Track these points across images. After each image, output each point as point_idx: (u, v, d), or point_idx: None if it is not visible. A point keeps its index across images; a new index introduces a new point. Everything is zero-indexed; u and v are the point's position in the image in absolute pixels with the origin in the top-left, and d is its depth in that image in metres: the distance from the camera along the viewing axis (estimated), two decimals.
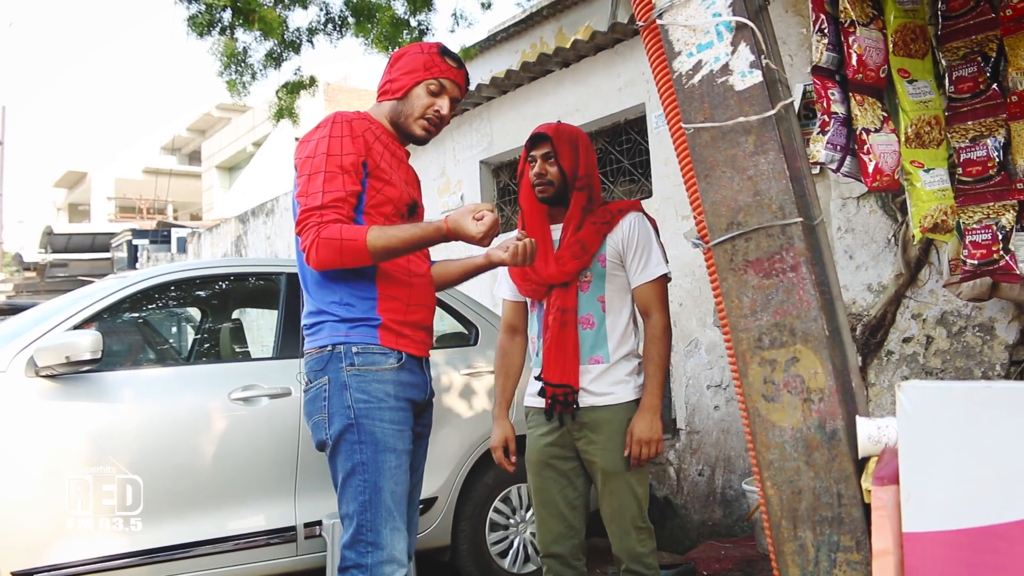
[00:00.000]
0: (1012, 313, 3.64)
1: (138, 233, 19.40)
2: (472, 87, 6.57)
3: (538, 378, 2.61)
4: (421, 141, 2.40)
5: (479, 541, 3.86)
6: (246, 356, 4.37)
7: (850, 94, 2.26)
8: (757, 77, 1.70)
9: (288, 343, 3.59)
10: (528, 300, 2.73)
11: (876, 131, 2.25)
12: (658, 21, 1.81)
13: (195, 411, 3.26)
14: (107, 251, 21.30)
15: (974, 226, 2.44)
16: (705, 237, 1.78)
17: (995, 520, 1.28)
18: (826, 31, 2.24)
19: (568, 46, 5.82)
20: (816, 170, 2.50)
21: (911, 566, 1.35)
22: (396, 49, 5.98)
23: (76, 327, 3.17)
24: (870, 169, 2.22)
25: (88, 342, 2.96)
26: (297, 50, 6.66)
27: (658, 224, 2.73)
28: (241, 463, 3.29)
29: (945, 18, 2.51)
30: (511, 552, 3.96)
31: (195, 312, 4.93)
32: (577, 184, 2.58)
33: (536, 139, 2.63)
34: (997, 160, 2.41)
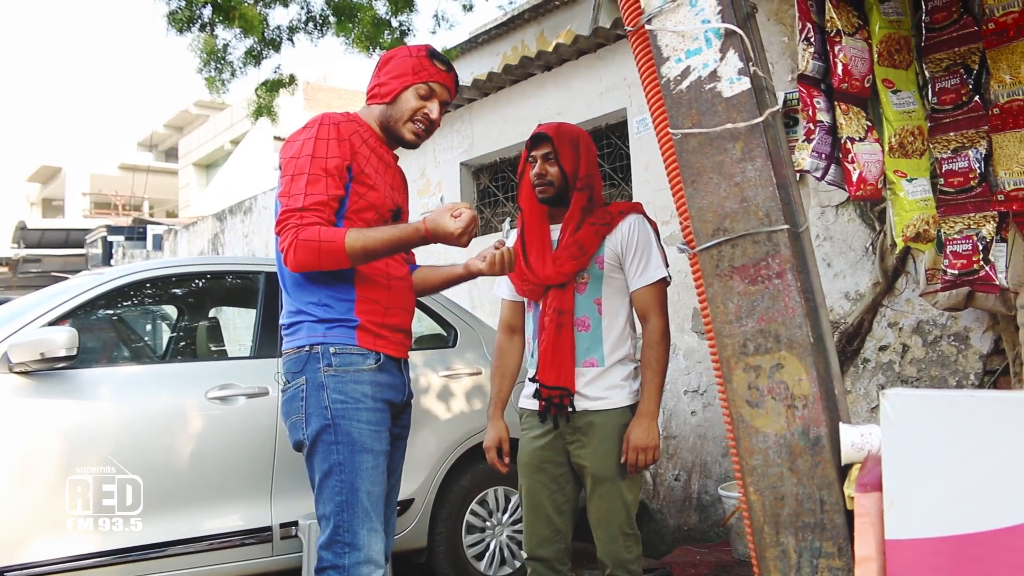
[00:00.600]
0: (987, 323, 3.68)
1: (113, 230, 19.19)
2: None
3: (533, 379, 2.59)
4: (411, 145, 2.37)
5: (456, 543, 3.85)
6: (223, 355, 4.33)
7: (835, 103, 2.27)
8: (745, 84, 1.71)
9: (266, 342, 3.56)
10: (525, 300, 2.71)
11: (860, 140, 2.27)
12: (647, 26, 1.81)
13: (171, 409, 3.22)
14: (81, 247, 21.04)
15: (955, 236, 2.47)
16: (691, 242, 1.78)
17: (977, 528, 1.29)
18: (812, 40, 2.25)
19: (550, 50, 5.83)
20: (796, 178, 2.51)
21: (893, 573, 1.36)
22: (376, 49, 5.95)
23: (51, 323, 3.12)
24: (854, 178, 2.24)
25: (63, 339, 2.92)
26: (277, 48, 6.62)
27: None
28: (217, 462, 3.25)
29: (929, 30, 2.53)
30: (487, 555, 3.94)
31: (172, 310, 4.88)
32: (577, 184, 2.55)
33: (537, 139, 2.60)
34: (978, 171, 2.44)
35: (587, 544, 2.82)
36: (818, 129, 2.23)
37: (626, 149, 5.56)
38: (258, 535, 3.28)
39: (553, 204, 2.60)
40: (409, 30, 6.48)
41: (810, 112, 2.23)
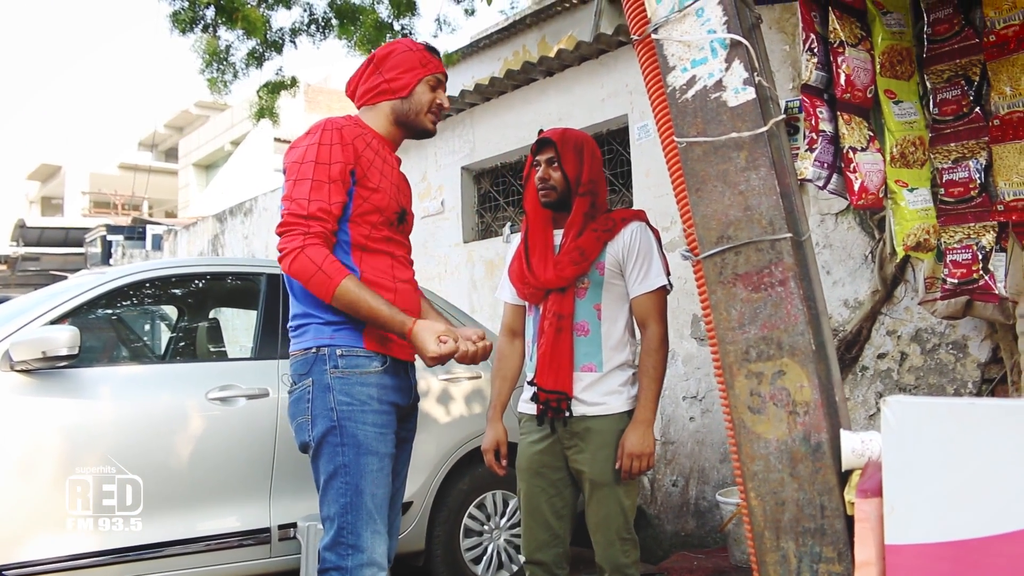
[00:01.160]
0: (985, 332, 3.70)
1: (113, 229, 19.15)
2: (455, 93, 6.59)
3: (531, 383, 2.61)
4: (431, 134, 2.46)
5: (453, 547, 3.86)
6: (224, 356, 4.34)
7: (838, 113, 2.29)
8: (750, 94, 1.72)
9: (267, 344, 3.57)
10: (526, 303, 2.73)
11: (862, 150, 2.29)
12: (653, 36, 1.83)
13: (172, 409, 3.23)
14: (80, 246, 21.01)
15: (955, 246, 2.49)
16: (695, 250, 1.80)
17: (976, 534, 1.31)
18: (815, 51, 2.27)
19: (552, 55, 5.85)
20: (798, 186, 2.53)
21: None
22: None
23: (53, 322, 3.13)
24: (856, 187, 2.26)
25: (65, 337, 2.93)
26: (279, 50, 6.65)
27: None
28: (217, 463, 3.26)
29: (930, 41, 2.56)
30: (485, 558, 3.95)
31: (172, 310, 4.89)
32: (580, 190, 2.57)
33: (541, 143, 2.63)
34: (979, 182, 2.46)
35: (585, 549, 2.83)
36: (821, 139, 2.25)
37: (627, 155, 5.58)
38: (257, 536, 3.29)
39: (556, 209, 2.62)
40: (411, 33, 6.51)
41: (813, 122, 2.24)
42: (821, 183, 2.29)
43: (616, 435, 2.51)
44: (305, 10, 6.55)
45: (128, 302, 3.87)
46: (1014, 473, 1.30)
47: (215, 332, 4.31)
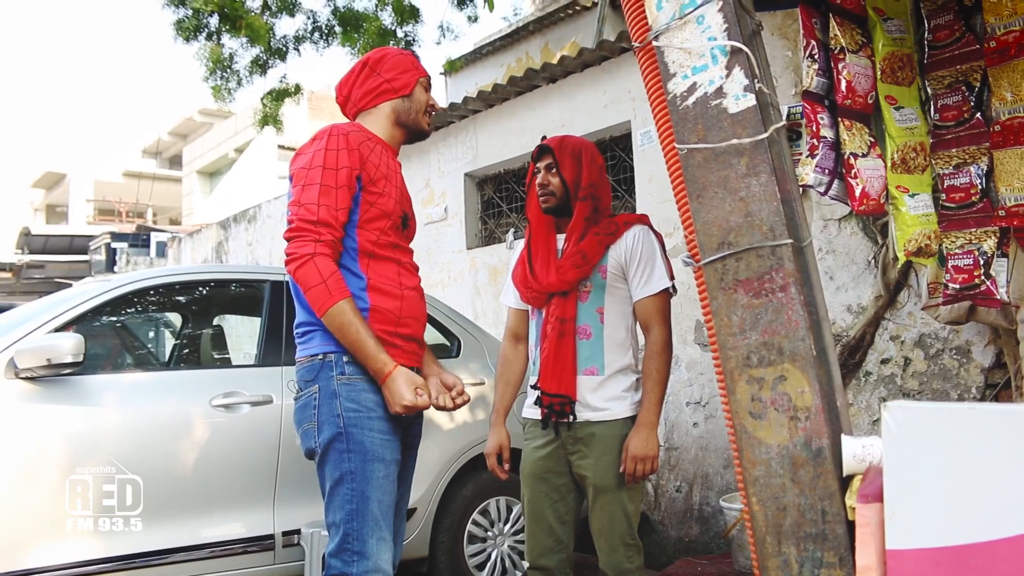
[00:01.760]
0: (988, 337, 3.69)
1: (117, 236, 19.15)
2: (458, 99, 6.61)
3: (535, 387, 2.61)
4: (427, 135, 2.52)
5: (457, 553, 3.86)
6: (228, 363, 4.35)
7: (839, 119, 2.30)
8: (751, 101, 1.73)
9: (271, 351, 3.58)
10: (530, 307, 2.74)
11: (863, 156, 2.30)
12: (654, 43, 1.84)
13: (176, 416, 3.24)
14: (85, 254, 21.03)
15: (957, 251, 2.49)
16: (696, 256, 1.81)
17: (977, 539, 1.31)
18: (816, 57, 2.28)
19: (555, 62, 5.86)
20: (800, 192, 2.54)
21: None
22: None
23: (57, 330, 3.14)
24: (857, 193, 2.27)
25: (69, 345, 2.94)
26: (283, 57, 6.68)
27: None
28: (221, 470, 3.27)
29: (931, 48, 2.56)
30: (488, 565, 3.96)
31: (176, 318, 4.90)
32: (580, 194, 2.59)
33: (540, 150, 2.67)
34: (980, 187, 2.46)
35: (589, 555, 2.83)
36: (822, 145, 2.25)
37: (630, 161, 5.59)
38: (261, 543, 3.29)
39: (557, 214, 2.64)
40: (414, 40, 6.54)
41: (814, 128, 2.25)
42: (822, 189, 2.30)
43: (620, 440, 2.51)
44: (308, 18, 6.60)
45: (132, 309, 3.89)
46: (1015, 477, 1.30)
47: (219, 339, 4.33)
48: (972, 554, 1.31)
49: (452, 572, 3.83)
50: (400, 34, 6.46)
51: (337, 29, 6.52)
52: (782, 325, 1.69)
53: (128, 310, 3.87)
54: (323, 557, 2.23)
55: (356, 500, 2.14)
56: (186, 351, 4.50)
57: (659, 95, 1.85)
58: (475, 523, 3.94)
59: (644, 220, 2.67)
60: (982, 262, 2.43)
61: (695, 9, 1.78)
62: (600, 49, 5.52)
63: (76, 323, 3.26)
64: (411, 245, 2.47)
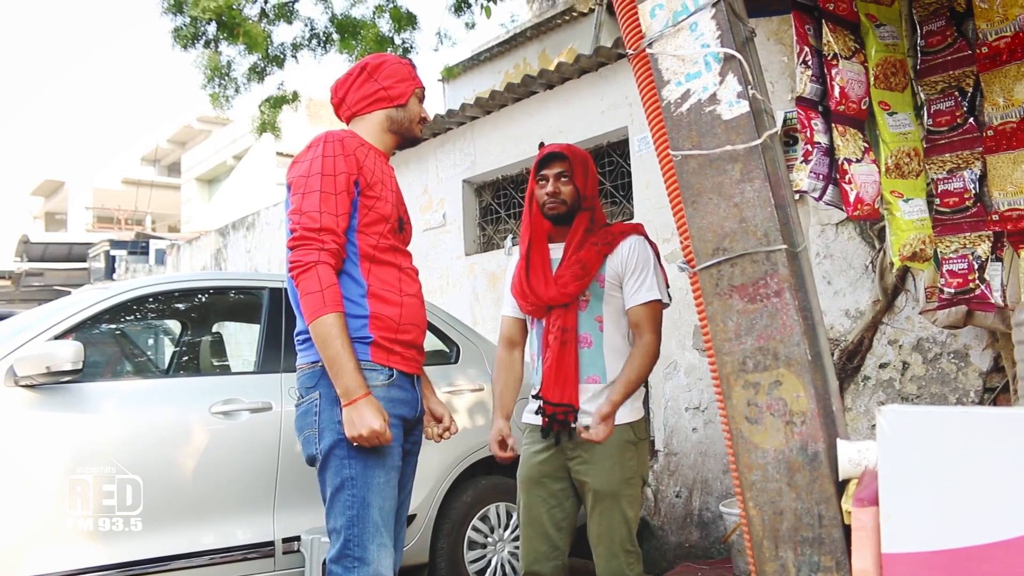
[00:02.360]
0: (986, 341, 3.70)
1: (116, 244, 19.18)
2: (456, 106, 6.62)
3: (536, 396, 2.62)
4: (419, 141, 2.61)
5: (457, 559, 3.86)
6: (227, 370, 4.34)
7: (833, 125, 2.31)
8: (744, 107, 1.74)
9: (270, 358, 3.58)
10: (528, 317, 2.75)
11: (857, 161, 2.31)
12: (648, 50, 1.85)
13: (175, 424, 3.24)
14: (84, 261, 21.06)
15: (951, 255, 2.50)
16: (691, 262, 1.82)
17: (972, 542, 1.32)
18: (810, 63, 2.30)
19: (552, 68, 5.87)
20: (796, 197, 2.55)
21: None
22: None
23: (57, 337, 3.14)
24: (851, 198, 2.28)
25: (69, 352, 2.94)
26: (281, 65, 6.68)
27: None
28: (220, 477, 3.27)
29: (924, 53, 2.58)
30: (488, 571, 3.96)
31: (176, 325, 4.90)
32: (584, 204, 2.62)
33: (550, 157, 2.65)
34: (973, 192, 2.48)
35: (585, 561, 2.83)
36: (816, 150, 2.27)
37: (627, 167, 5.60)
38: (260, 550, 3.29)
39: (559, 222, 2.65)
40: (412, 47, 6.55)
41: (808, 134, 2.27)
42: (817, 194, 2.31)
43: (620, 446, 2.52)
44: (306, 25, 6.60)
45: (131, 317, 3.89)
46: (1009, 481, 1.31)
47: (218, 346, 4.32)
48: (967, 557, 1.32)
49: None
50: (398, 41, 6.46)
51: (335, 36, 6.53)
52: (777, 330, 1.70)
53: (127, 317, 3.87)
54: (324, 563, 2.23)
55: (357, 506, 2.15)
56: (185, 358, 4.50)
57: (653, 102, 1.86)
58: (475, 529, 3.94)
59: (639, 230, 2.68)
60: (976, 266, 2.45)
61: (688, 16, 1.79)
62: (597, 55, 5.54)
63: (75, 331, 3.26)
64: (409, 250, 2.49)
